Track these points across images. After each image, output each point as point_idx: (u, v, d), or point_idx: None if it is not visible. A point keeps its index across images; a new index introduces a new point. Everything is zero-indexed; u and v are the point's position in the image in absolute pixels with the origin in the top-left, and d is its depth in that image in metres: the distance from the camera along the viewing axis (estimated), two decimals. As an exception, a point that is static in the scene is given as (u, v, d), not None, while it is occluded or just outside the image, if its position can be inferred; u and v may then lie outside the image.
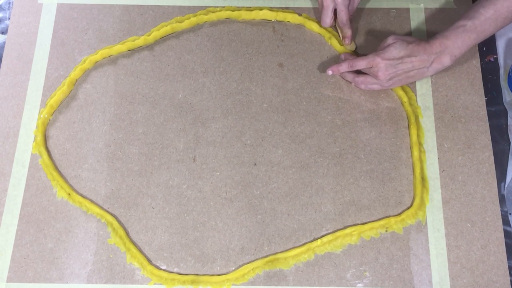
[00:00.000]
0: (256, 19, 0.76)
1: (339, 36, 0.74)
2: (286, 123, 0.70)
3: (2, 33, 0.77)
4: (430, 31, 0.74)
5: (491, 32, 0.63)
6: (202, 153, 0.69)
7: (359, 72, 0.70)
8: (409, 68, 0.64)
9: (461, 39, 0.62)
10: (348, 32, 0.72)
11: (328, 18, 0.71)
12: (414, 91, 0.71)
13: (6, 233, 0.65)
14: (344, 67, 0.68)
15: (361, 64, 0.66)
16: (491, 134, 0.69)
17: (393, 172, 0.67)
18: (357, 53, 0.74)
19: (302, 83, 0.72)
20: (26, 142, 0.70)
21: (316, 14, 0.76)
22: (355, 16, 0.76)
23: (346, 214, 0.65)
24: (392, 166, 0.67)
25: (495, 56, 0.74)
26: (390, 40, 0.65)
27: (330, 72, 0.69)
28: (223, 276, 0.63)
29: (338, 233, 0.64)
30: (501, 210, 0.65)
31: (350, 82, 0.71)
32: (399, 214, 0.65)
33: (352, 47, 0.74)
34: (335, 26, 0.75)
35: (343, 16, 0.69)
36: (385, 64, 0.64)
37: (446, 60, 0.63)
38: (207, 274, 0.63)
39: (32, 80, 0.73)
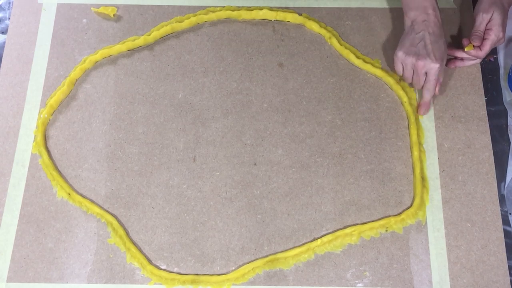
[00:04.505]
0: (256, 19, 0.76)
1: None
2: (286, 123, 0.70)
3: (2, 33, 0.77)
4: (430, 31, 0.74)
5: None
6: (202, 153, 0.69)
7: None
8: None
9: None
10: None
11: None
12: (414, 91, 0.71)
13: (6, 233, 0.65)
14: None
15: (487, 47, 0.67)
16: (491, 134, 0.69)
17: (393, 172, 0.67)
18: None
19: (302, 83, 0.72)
20: (26, 142, 0.70)
21: (316, 14, 0.76)
22: (353, 15, 0.76)
23: (346, 214, 0.65)
24: (392, 166, 0.67)
25: (495, 56, 0.74)
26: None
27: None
28: (223, 276, 0.63)
29: (338, 233, 0.64)
30: (501, 210, 0.65)
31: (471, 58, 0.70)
32: (399, 214, 0.65)
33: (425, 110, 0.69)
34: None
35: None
36: (499, 27, 0.66)
37: None
38: (207, 274, 0.63)
39: (32, 80, 0.73)
